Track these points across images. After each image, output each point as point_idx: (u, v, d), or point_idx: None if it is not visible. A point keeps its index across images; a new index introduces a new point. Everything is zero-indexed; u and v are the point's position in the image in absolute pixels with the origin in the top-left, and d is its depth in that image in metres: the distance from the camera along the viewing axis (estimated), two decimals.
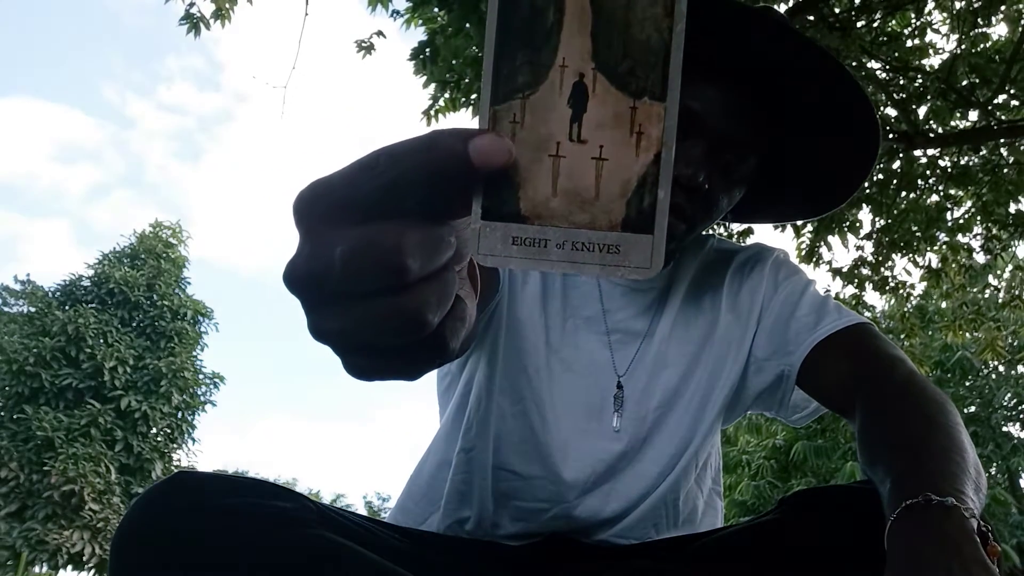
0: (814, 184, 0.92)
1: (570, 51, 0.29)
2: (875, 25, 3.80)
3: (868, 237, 4.56)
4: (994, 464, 12.26)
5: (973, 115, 4.03)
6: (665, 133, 0.29)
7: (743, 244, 1.04)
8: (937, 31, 4.06)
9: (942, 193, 4.46)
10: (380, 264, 0.27)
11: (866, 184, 4.35)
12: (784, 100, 0.82)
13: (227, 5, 3.65)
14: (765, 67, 0.78)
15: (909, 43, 3.97)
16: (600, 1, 0.29)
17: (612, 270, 0.29)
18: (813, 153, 0.88)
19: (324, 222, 0.28)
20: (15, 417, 14.72)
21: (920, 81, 3.87)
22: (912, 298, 4.92)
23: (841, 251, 7.10)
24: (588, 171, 0.29)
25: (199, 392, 17.13)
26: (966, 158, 4.30)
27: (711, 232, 1.04)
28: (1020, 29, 3.55)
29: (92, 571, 14.48)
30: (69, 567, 14.28)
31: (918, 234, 4.47)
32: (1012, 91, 3.70)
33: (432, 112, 3.82)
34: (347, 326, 0.29)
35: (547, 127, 0.29)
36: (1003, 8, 3.63)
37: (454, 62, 3.54)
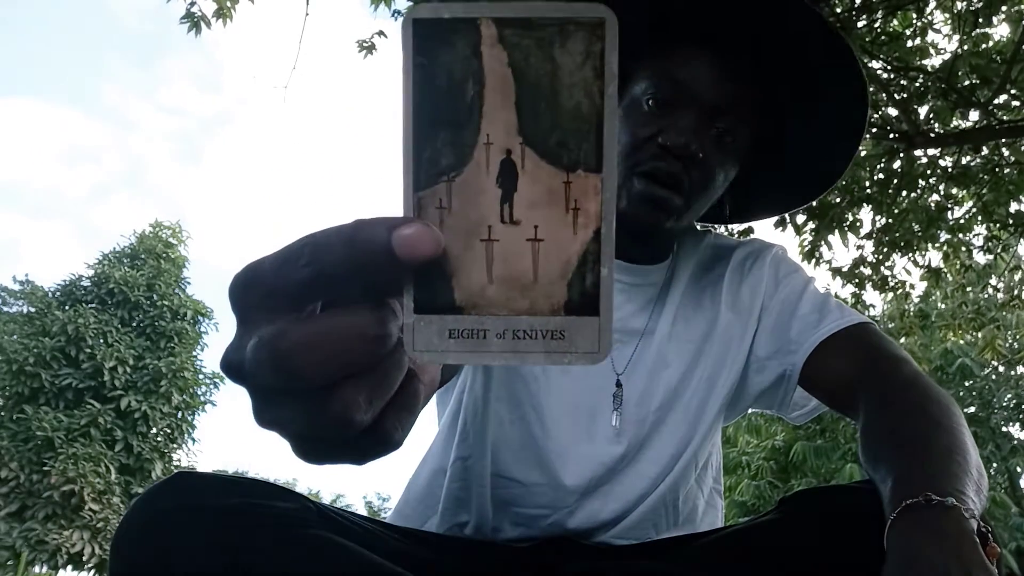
0: (810, 160, 0.92)
1: (494, 126, 0.27)
2: (876, 25, 3.80)
3: (868, 236, 4.56)
4: (994, 464, 12.25)
5: (974, 115, 4.03)
6: (604, 206, 0.27)
7: (740, 239, 1.03)
8: (938, 31, 4.06)
9: (942, 193, 4.46)
10: (288, 367, 0.26)
11: (867, 183, 4.36)
12: (773, 67, 0.83)
13: (228, 3, 3.65)
14: (746, 31, 0.80)
15: (910, 43, 3.97)
16: (522, 68, 0.26)
17: (558, 357, 0.27)
18: (807, 123, 0.89)
19: (257, 311, 0.28)
20: (15, 417, 14.70)
21: (921, 81, 3.87)
22: (912, 299, 4.92)
23: (841, 250, 7.11)
24: (524, 254, 0.27)
25: (199, 392, 17.11)
26: (967, 158, 4.29)
27: (708, 228, 1.04)
28: (1021, 29, 3.54)
29: (92, 571, 14.47)
30: (69, 567, 14.27)
31: (919, 234, 4.47)
32: (1013, 91, 3.69)
33: None
34: (282, 417, 0.28)
35: (476, 210, 0.27)
36: (1004, 8, 3.62)
37: None
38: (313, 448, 0.29)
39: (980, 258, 4.83)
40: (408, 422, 0.30)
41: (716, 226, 1.07)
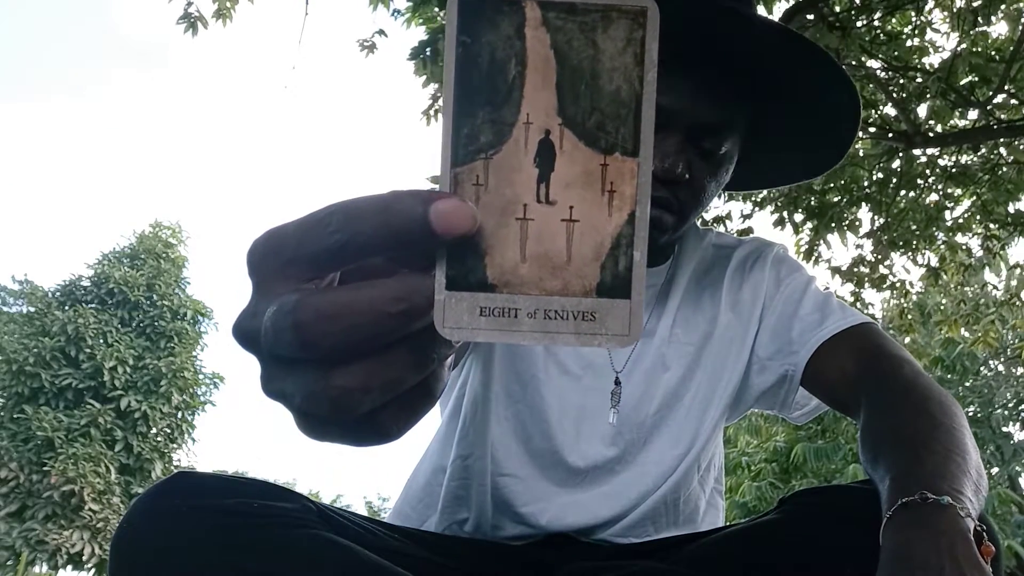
0: (809, 128, 0.89)
1: (534, 106, 0.27)
2: (875, 24, 3.80)
3: (867, 236, 4.56)
4: (995, 469, 12.23)
5: (973, 114, 4.03)
6: (639, 190, 0.27)
7: (741, 238, 1.03)
8: (937, 30, 4.06)
9: (941, 192, 4.46)
10: (307, 336, 0.26)
11: (865, 183, 4.36)
12: (753, 73, 0.81)
13: (228, 4, 3.65)
14: (729, 55, 0.78)
15: (909, 42, 3.97)
16: (564, 51, 0.27)
17: (588, 339, 0.27)
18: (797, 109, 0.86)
19: (276, 278, 0.27)
20: (15, 417, 14.70)
21: (920, 80, 3.87)
22: (911, 296, 4.93)
23: (840, 249, 7.11)
24: (558, 234, 0.27)
25: (199, 392, 17.12)
26: (965, 157, 4.30)
27: (709, 228, 1.04)
28: (1020, 28, 3.55)
29: (92, 571, 14.47)
30: (69, 567, 14.27)
31: (917, 233, 4.47)
32: (1012, 90, 3.69)
33: (432, 112, 3.82)
34: (286, 390, 0.28)
35: (513, 189, 0.27)
36: (1003, 7, 3.62)
37: None
38: (311, 424, 0.29)
39: (979, 255, 4.83)
40: (408, 421, 0.30)
41: (716, 225, 1.07)
